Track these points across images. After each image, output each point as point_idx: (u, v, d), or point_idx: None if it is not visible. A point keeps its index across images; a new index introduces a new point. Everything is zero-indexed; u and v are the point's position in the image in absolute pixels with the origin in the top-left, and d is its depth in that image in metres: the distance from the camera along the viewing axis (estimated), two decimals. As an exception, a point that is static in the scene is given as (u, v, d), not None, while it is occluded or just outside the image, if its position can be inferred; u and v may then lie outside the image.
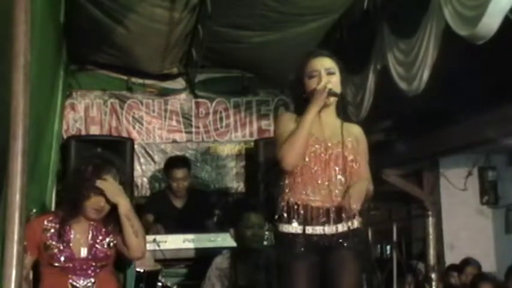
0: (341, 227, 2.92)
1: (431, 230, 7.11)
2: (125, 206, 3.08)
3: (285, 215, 2.93)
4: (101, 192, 3.08)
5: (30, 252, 3.08)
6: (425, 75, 4.33)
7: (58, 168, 5.00)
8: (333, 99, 3.05)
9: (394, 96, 4.91)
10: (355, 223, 2.95)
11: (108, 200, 3.11)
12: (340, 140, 2.99)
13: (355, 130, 3.16)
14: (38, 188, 3.70)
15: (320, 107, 2.99)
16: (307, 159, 2.93)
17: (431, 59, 4.25)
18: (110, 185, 3.08)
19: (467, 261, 6.26)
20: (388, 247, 7.31)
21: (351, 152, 3.02)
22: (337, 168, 2.95)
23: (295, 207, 2.91)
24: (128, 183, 3.30)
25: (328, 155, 2.96)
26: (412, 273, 6.72)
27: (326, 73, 3.04)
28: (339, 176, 2.95)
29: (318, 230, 2.90)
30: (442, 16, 3.98)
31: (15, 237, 2.09)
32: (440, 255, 7.09)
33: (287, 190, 2.97)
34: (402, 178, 7.21)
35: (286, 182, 2.98)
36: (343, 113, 3.15)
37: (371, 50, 5.13)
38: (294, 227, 2.90)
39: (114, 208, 3.14)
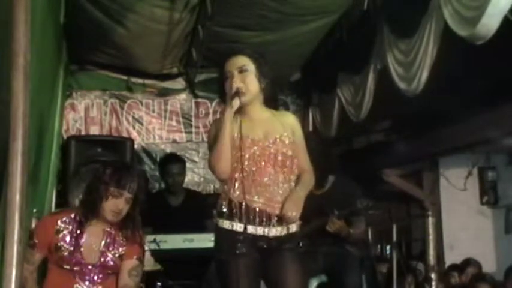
0: (281, 230, 2.90)
1: (431, 230, 7.11)
2: None
3: (227, 212, 2.90)
4: (119, 195, 3.06)
5: (39, 250, 3.07)
6: (425, 75, 4.33)
7: (58, 168, 5.00)
8: (246, 98, 2.95)
9: (394, 96, 4.91)
10: (295, 227, 2.95)
11: (127, 203, 3.09)
12: (275, 136, 2.94)
13: (289, 120, 3.08)
14: (38, 188, 3.70)
15: (234, 109, 2.91)
16: (246, 163, 2.88)
17: (431, 59, 4.24)
18: None
19: (468, 262, 6.26)
20: (388, 247, 7.31)
21: (289, 146, 2.96)
22: (277, 167, 2.91)
23: (238, 206, 2.88)
24: (142, 189, 3.28)
25: (267, 155, 2.91)
26: (412, 273, 6.72)
27: (238, 72, 2.97)
28: (281, 174, 2.91)
29: (259, 230, 2.88)
30: (442, 16, 3.98)
31: (15, 237, 2.09)
32: (440, 255, 7.09)
33: (229, 190, 2.92)
34: (402, 178, 7.21)
35: (228, 183, 2.92)
36: (272, 103, 3.10)
37: (371, 50, 5.13)
38: (235, 225, 2.87)
39: (131, 214, 3.14)
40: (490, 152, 7.22)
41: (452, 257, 6.84)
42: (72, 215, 3.13)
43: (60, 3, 4.60)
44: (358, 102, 5.52)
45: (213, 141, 2.94)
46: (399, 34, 4.65)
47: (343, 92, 5.87)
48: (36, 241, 3.06)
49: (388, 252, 7.35)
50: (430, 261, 6.99)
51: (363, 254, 5.05)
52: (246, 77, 2.97)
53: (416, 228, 7.60)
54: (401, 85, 4.63)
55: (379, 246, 7.67)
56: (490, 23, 3.50)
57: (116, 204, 3.07)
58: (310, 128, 6.73)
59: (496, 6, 3.43)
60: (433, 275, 6.78)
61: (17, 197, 2.10)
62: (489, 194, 7.34)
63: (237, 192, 2.89)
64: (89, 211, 3.11)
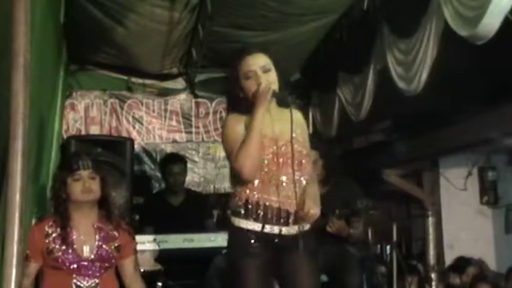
0: (297, 228, 2.88)
1: (431, 230, 7.11)
2: None
3: (243, 211, 2.86)
4: (79, 177, 3.16)
5: (33, 259, 3.10)
6: (424, 75, 4.33)
7: (58, 168, 5.00)
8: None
9: (394, 96, 4.91)
10: (308, 225, 2.94)
11: (91, 179, 3.18)
12: (292, 135, 2.90)
13: (298, 117, 3.04)
14: (38, 188, 3.70)
15: (265, 108, 2.86)
16: (265, 162, 2.86)
17: (431, 59, 4.24)
18: None
19: (468, 262, 6.25)
20: (388, 247, 7.30)
21: (303, 144, 2.96)
22: (294, 166, 2.88)
23: (255, 205, 2.85)
24: (107, 176, 3.36)
25: (286, 154, 2.89)
26: (412, 273, 6.72)
27: (262, 71, 2.90)
28: (297, 173, 2.88)
29: (276, 229, 2.86)
30: (442, 16, 3.98)
31: (15, 237, 2.09)
32: (440, 255, 7.09)
33: (245, 188, 2.87)
34: (402, 178, 7.21)
35: (246, 182, 2.88)
36: (284, 101, 3.00)
37: (371, 50, 5.13)
38: (252, 224, 2.85)
39: (105, 195, 3.26)
40: (490, 152, 7.21)
41: (452, 257, 6.81)
42: (57, 218, 3.19)
43: (60, 2, 4.60)
44: (358, 102, 5.52)
45: (233, 140, 2.88)
46: (399, 34, 4.65)
47: (343, 92, 5.87)
48: (28, 252, 3.07)
49: (388, 252, 7.34)
50: (430, 261, 6.99)
51: (363, 254, 5.05)
52: (270, 76, 2.91)
53: (416, 228, 7.58)
54: (401, 85, 4.64)
55: (379, 246, 7.65)
56: (491, 23, 3.50)
57: (80, 185, 3.16)
58: (310, 128, 6.73)
59: (497, 6, 3.43)
60: (433, 275, 6.78)
61: (17, 197, 2.10)
62: (489, 194, 7.33)
63: (255, 191, 2.86)
64: (62, 205, 3.17)
